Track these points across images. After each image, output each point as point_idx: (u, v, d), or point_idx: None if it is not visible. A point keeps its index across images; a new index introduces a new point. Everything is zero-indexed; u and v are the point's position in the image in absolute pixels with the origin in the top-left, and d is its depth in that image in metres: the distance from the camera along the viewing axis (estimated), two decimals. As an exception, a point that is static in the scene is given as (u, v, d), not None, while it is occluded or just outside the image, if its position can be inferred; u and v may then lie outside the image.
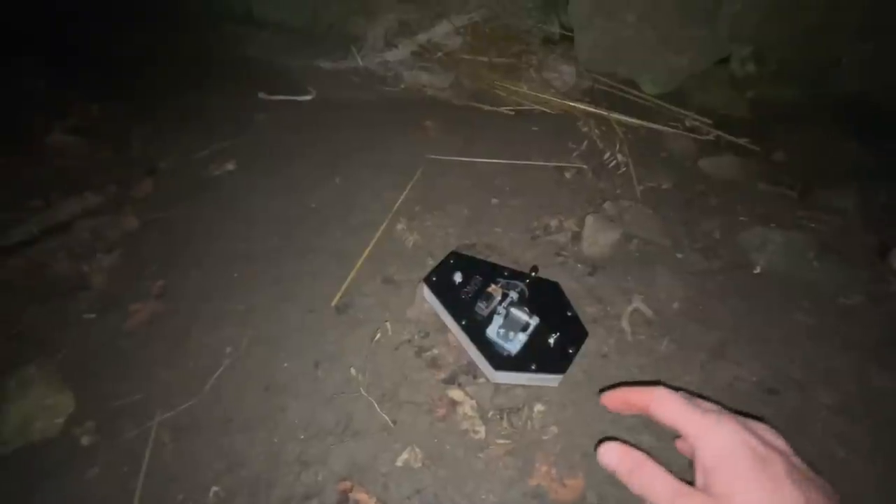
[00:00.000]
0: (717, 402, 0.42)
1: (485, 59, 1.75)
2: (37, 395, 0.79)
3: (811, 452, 0.75)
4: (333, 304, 0.96)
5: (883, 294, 0.99)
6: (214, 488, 0.72)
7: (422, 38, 1.83)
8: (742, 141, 1.39)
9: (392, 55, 1.80)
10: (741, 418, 0.39)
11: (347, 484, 0.71)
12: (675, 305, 0.95)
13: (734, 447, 0.36)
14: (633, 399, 0.43)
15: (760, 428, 0.39)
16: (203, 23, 2.02)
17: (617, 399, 0.45)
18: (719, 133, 1.42)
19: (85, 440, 0.77)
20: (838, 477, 0.73)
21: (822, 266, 1.02)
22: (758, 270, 1.02)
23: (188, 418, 0.81)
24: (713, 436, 0.37)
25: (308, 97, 1.59)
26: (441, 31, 1.85)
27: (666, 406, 0.40)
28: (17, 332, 0.94)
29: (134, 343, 0.92)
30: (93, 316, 0.96)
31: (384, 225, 1.10)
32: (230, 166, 1.31)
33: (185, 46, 1.90)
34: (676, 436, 0.42)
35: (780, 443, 0.39)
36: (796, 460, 0.37)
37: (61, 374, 0.85)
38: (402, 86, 1.69)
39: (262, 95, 1.58)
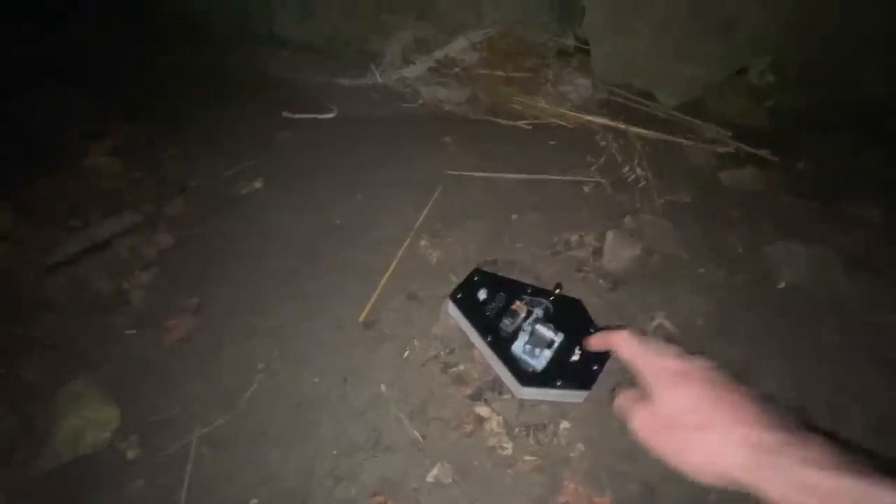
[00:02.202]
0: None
1: (501, 73, 1.77)
2: (85, 410, 0.83)
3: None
4: (360, 320, 0.99)
5: (912, 308, 0.98)
6: (253, 501, 0.75)
7: (438, 54, 1.87)
8: (762, 152, 1.38)
9: (410, 71, 1.84)
10: (675, 352, 0.52)
11: (380, 499, 0.73)
12: (699, 322, 0.95)
13: (658, 370, 0.49)
14: (611, 341, 0.56)
15: (695, 358, 0.51)
16: (226, 42, 2.10)
17: (600, 342, 0.59)
18: (739, 144, 1.41)
19: (130, 454, 0.81)
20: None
21: (850, 280, 1.02)
22: (782, 285, 1.02)
23: (225, 433, 0.84)
24: (647, 366, 0.50)
25: (330, 115, 1.64)
26: (457, 47, 1.89)
27: (624, 348, 0.54)
28: (61, 347, 0.99)
29: (172, 358, 0.96)
30: (133, 332, 1.01)
31: (407, 242, 1.13)
32: (257, 184, 1.36)
33: (210, 66, 1.96)
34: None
35: (701, 364, 0.49)
36: (718, 377, 0.47)
37: (106, 389, 0.89)
38: (421, 101, 1.72)
39: (285, 114, 1.63)
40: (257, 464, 0.79)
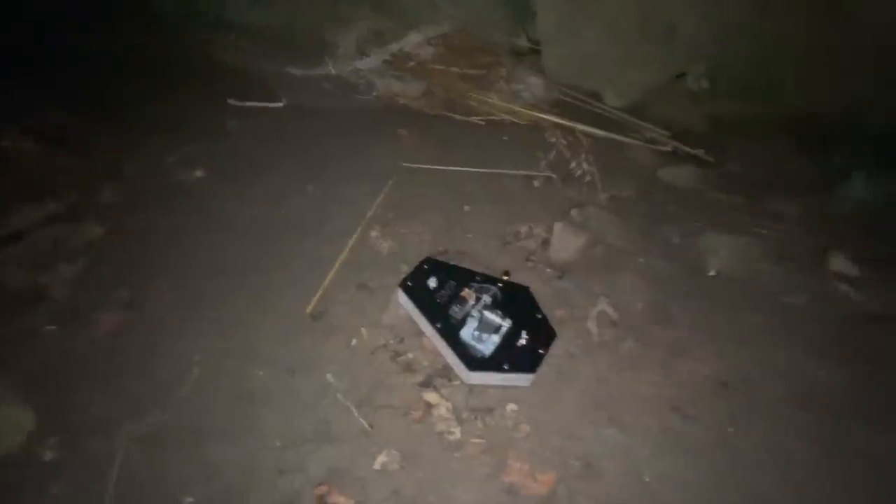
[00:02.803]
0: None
1: (456, 69, 1.79)
2: (-6, 412, 0.75)
3: (760, 440, 0.81)
4: (308, 311, 0.96)
5: (824, 294, 1.08)
6: (188, 500, 0.71)
7: (394, 47, 1.86)
8: (698, 152, 1.48)
9: (364, 63, 1.82)
10: None
11: (323, 489, 0.72)
12: (638, 307, 1.00)
13: None
14: None
15: None
16: (172, 26, 1.98)
17: None
18: (677, 144, 1.50)
19: (48, 456, 0.74)
20: (784, 461, 0.79)
21: (771, 269, 1.11)
22: (713, 273, 1.10)
23: (158, 430, 0.79)
24: None
25: (279, 104, 1.58)
26: (413, 41, 1.88)
27: None
28: (-31, 346, 0.90)
29: (100, 354, 0.89)
30: (53, 328, 0.92)
31: (358, 232, 1.11)
32: (199, 173, 1.29)
33: (154, 50, 1.84)
34: None
35: None
36: None
37: (21, 389, 0.81)
38: (375, 94, 1.71)
39: (232, 101, 1.56)
40: (194, 460, 0.75)
